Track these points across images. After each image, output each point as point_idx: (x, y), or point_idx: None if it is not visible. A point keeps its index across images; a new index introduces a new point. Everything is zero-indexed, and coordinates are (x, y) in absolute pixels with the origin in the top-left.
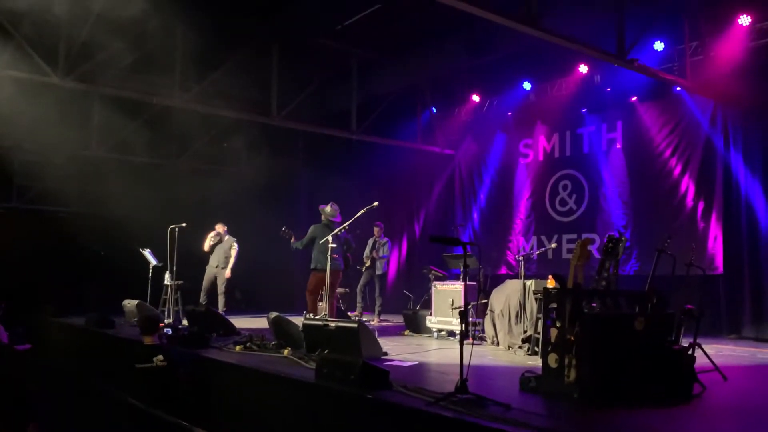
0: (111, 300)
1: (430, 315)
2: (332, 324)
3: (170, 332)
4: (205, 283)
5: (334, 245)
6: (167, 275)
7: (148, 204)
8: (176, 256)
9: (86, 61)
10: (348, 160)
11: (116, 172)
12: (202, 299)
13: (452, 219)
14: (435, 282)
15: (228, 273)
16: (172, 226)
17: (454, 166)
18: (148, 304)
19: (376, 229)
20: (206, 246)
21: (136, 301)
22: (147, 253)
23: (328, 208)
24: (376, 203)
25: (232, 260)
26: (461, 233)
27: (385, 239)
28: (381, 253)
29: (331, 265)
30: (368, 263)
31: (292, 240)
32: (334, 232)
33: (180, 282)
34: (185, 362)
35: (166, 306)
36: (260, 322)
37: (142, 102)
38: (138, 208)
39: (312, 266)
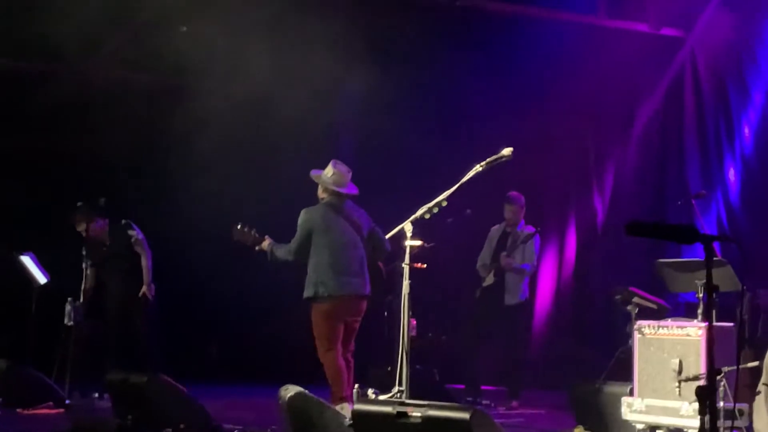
0: None
1: (630, 394)
2: (416, 412)
3: None
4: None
5: (417, 243)
6: (69, 306)
7: (27, 156)
8: (88, 267)
9: None
10: (442, 58)
11: None
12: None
13: (678, 182)
14: (640, 322)
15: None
16: (79, 203)
17: (682, 65)
18: (29, 365)
19: (509, 208)
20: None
21: (4, 362)
22: (27, 260)
23: (328, 171)
24: (506, 151)
25: (145, 264)
26: (698, 215)
27: (530, 230)
28: (520, 260)
29: (348, 288)
30: (489, 280)
31: (265, 244)
32: (422, 211)
33: (95, 322)
34: None
35: (67, 369)
36: (262, 403)
37: None
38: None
39: (310, 293)
